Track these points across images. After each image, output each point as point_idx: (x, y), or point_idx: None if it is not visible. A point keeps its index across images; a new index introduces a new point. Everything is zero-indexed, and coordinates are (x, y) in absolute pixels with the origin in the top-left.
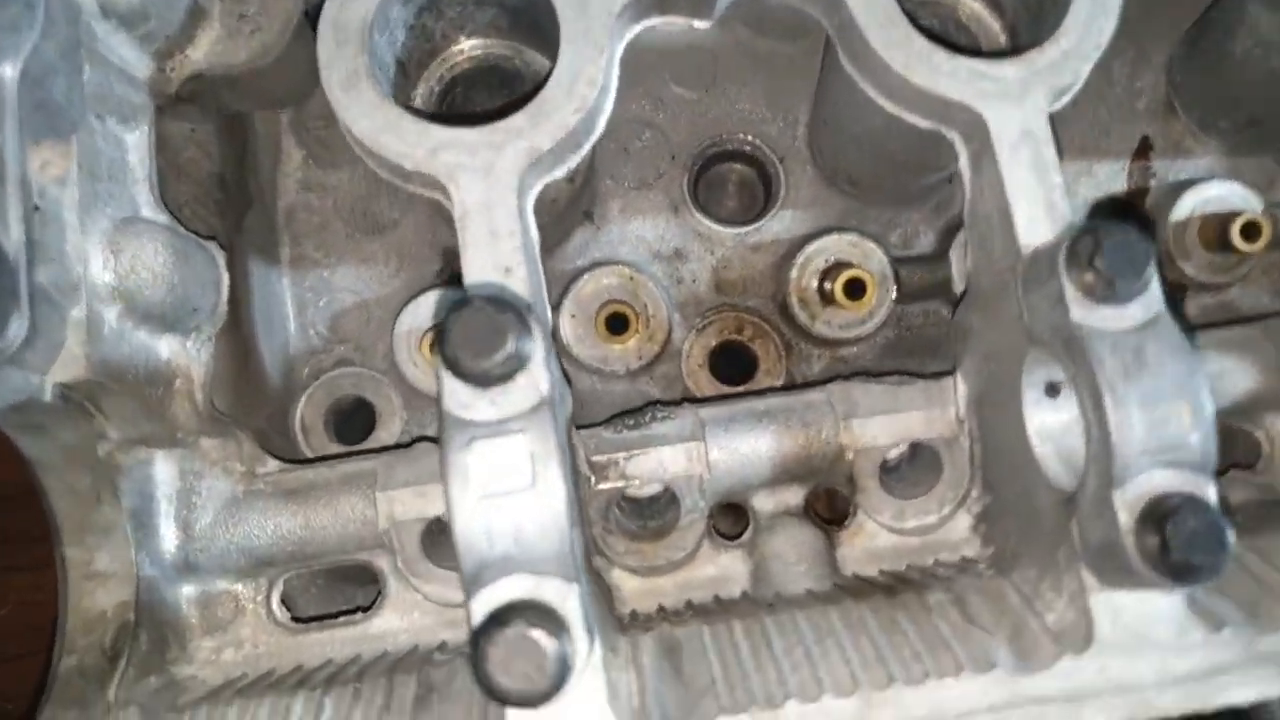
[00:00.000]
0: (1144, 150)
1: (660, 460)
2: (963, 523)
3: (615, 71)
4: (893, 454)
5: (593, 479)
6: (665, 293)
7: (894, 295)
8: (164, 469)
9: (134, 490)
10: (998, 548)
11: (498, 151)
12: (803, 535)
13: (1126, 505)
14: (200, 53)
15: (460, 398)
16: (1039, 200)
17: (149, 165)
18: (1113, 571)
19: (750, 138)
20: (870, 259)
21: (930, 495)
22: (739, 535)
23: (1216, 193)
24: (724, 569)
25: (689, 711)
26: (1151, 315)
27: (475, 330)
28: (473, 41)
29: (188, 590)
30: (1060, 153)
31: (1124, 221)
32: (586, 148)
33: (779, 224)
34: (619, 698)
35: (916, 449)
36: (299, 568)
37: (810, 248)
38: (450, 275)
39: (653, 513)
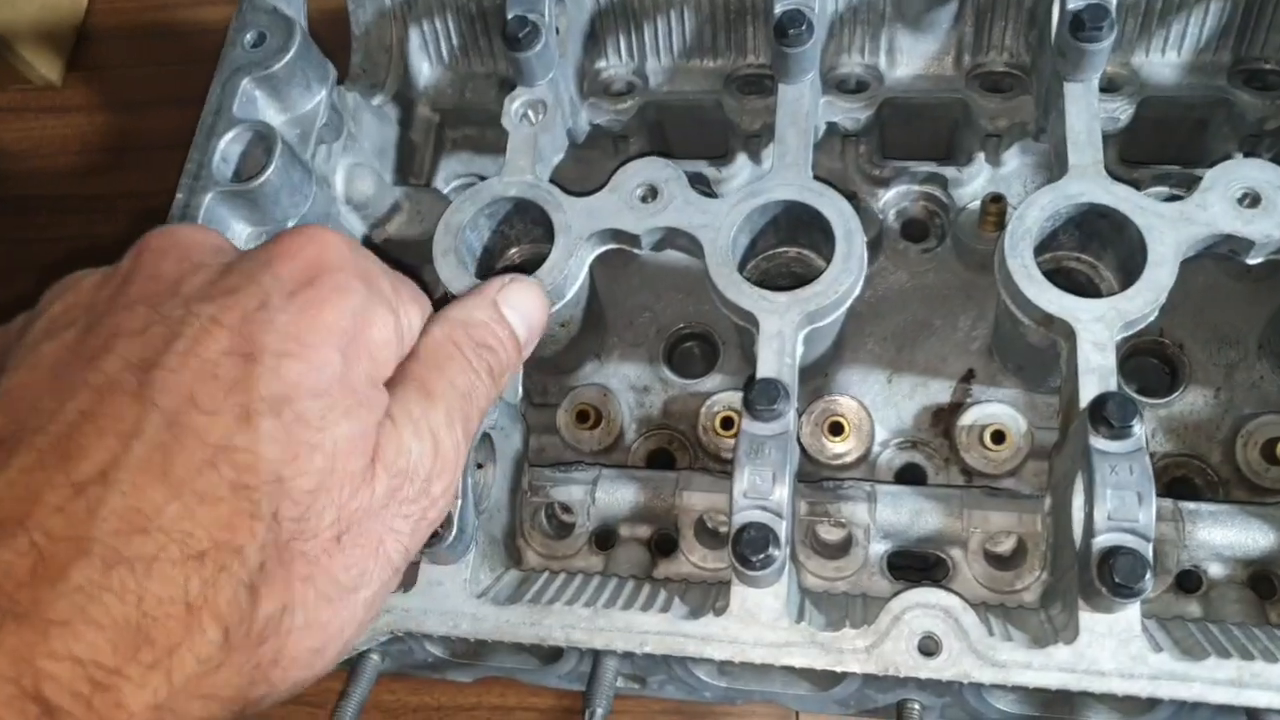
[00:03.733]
0: (968, 377)
1: (569, 491)
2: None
3: (583, 268)
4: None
5: (529, 493)
6: (629, 409)
7: None
8: None
9: None
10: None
11: None
12: (638, 555)
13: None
14: (393, 227)
15: None
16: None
17: None
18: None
19: (707, 325)
20: None
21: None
22: (608, 549)
23: (993, 410)
24: (590, 563)
25: (510, 599)
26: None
27: None
28: (525, 246)
29: None
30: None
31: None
32: (559, 305)
33: (711, 382)
34: (479, 584)
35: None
36: None
37: (716, 396)
38: None
39: (563, 530)
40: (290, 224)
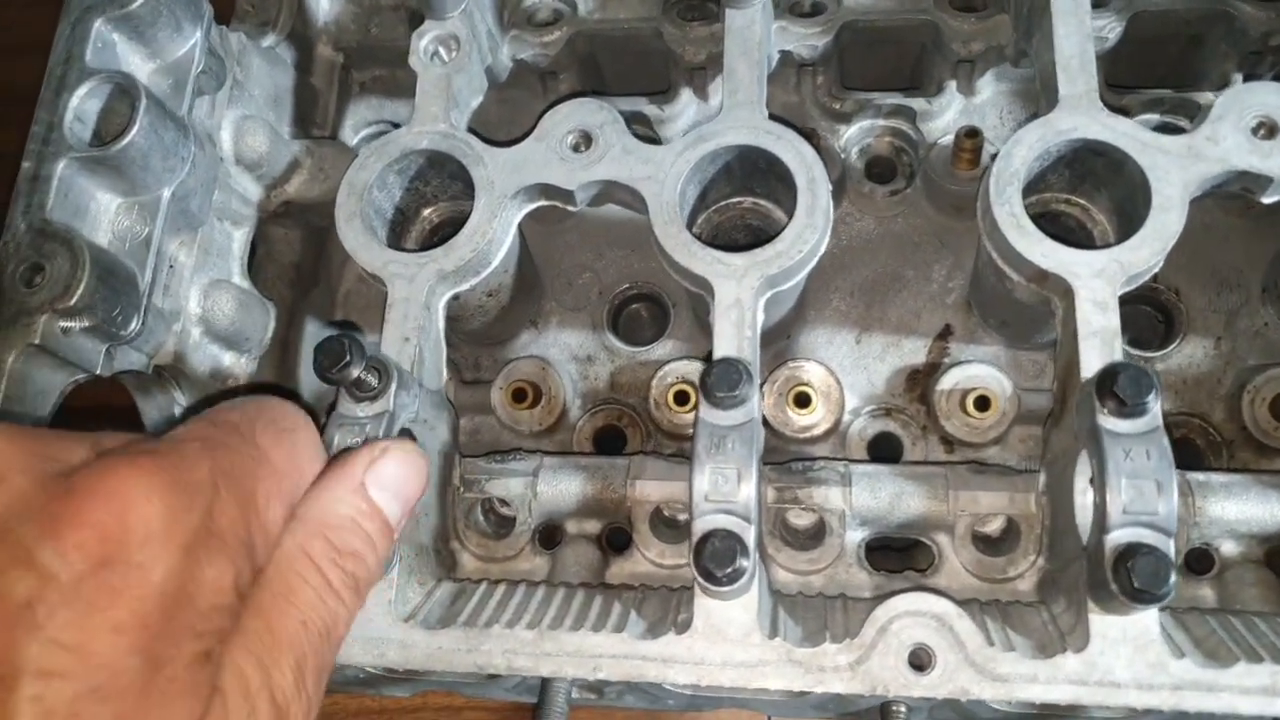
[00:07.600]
0: (945, 334)
1: (506, 485)
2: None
3: (510, 230)
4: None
5: (461, 489)
6: (571, 383)
7: None
8: None
9: None
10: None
11: (420, 268)
12: (589, 554)
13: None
14: (293, 188)
15: (345, 402)
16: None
17: (244, 250)
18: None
19: (655, 285)
20: None
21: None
22: (554, 547)
23: (974, 372)
24: (535, 565)
25: (442, 621)
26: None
27: (330, 355)
28: (444, 204)
29: None
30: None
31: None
32: (484, 274)
33: (662, 349)
34: (406, 603)
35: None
36: None
37: (667, 366)
38: None
39: (502, 526)
40: (166, 192)
